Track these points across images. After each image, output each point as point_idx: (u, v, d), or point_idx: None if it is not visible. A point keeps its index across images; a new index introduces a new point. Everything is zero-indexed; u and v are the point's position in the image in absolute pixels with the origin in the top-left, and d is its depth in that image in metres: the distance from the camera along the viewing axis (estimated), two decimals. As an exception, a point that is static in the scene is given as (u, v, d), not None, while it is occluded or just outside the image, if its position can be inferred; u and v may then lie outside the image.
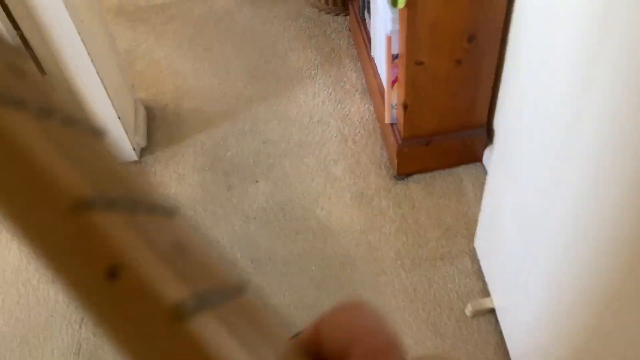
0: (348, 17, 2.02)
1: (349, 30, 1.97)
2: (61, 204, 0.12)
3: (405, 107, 1.37)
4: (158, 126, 1.73)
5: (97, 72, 1.40)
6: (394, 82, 1.40)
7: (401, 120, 1.42)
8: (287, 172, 1.59)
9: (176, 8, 2.15)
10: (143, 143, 1.66)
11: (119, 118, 1.52)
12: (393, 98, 1.44)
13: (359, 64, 1.86)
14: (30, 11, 1.25)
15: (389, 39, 1.31)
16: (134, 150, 1.61)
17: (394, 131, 1.48)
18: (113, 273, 0.12)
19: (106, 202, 0.13)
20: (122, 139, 1.57)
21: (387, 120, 1.50)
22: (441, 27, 1.21)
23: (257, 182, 1.57)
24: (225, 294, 0.14)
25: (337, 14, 2.03)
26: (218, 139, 1.69)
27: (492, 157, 1.15)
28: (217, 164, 1.62)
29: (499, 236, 1.19)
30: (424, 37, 1.22)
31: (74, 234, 0.12)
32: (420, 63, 1.27)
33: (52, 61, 1.36)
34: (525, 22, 0.95)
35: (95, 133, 0.15)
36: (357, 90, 1.78)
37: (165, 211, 0.14)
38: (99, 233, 0.12)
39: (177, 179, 1.59)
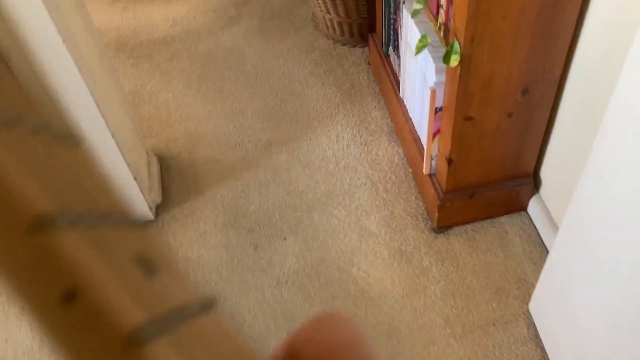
0: (366, 48, 1.91)
1: (368, 63, 1.86)
2: (20, 223, 0.12)
3: (449, 161, 1.26)
4: (173, 179, 1.61)
5: (112, 135, 1.28)
6: (435, 134, 1.30)
7: (443, 173, 1.31)
8: (316, 226, 1.48)
9: (180, 42, 2.03)
10: (158, 199, 1.54)
11: (135, 179, 1.40)
12: (433, 149, 1.34)
13: (382, 101, 1.75)
14: (37, 72, 1.13)
15: (433, 93, 1.20)
16: (150, 209, 1.49)
17: (433, 182, 1.38)
18: (70, 296, 0.12)
19: (68, 219, 0.12)
20: (137, 199, 1.45)
21: (425, 172, 1.40)
22: (495, 82, 1.11)
23: (285, 239, 1.46)
24: (187, 313, 0.13)
25: (354, 46, 1.92)
26: (239, 191, 1.57)
27: (562, 223, 1.05)
28: (241, 220, 1.51)
29: (566, 308, 1.09)
30: (476, 93, 1.12)
31: (31, 255, 0.12)
32: (470, 118, 1.17)
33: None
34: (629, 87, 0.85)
35: (69, 140, 0.14)
36: (383, 131, 1.68)
37: (132, 223, 0.14)
38: (58, 254, 0.12)
39: (198, 239, 1.48)
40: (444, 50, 1.16)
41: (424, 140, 1.40)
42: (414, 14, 1.10)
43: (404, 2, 1.36)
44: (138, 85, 1.88)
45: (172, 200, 1.56)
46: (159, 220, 1.52)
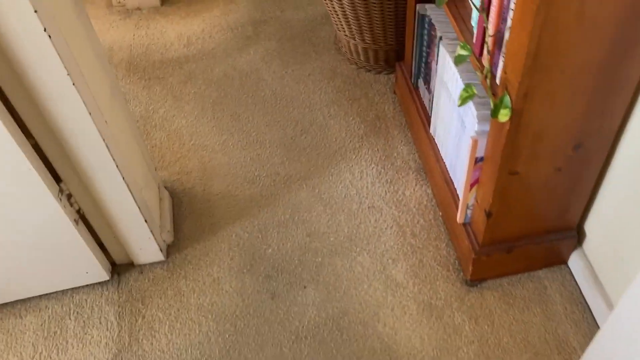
0: (391, 75, 1.81)
1: (394, 93, 1.76)
2: None
3: (488, 214, 1.16)
4: (185, 216, 1.51)
5: (123, 178, 1.18)
6: (473, 184, 1.19)
7: (480, 226, 1.21)
8: (338, 274, 1.38)
9: (194, 63, 1.93)
10: (170, 239, 1.44)
11: (146, 221, 1.30)
12: (470, 199, 1.23)
13: (409, 134, 1.65)
14: (45, 115, 1.03)
15: (475, 143, 1.09)
16: (161, 250, 1.39)
17: (467, 233, 1.28)
18: None
19: None
20: (148, 242, 1.35)
21: (459, 221, 1.29)
22: (547, 137, 1.00)
23: (305, 287, 1.36)
24: None
25: (379, 72, 1.82)
26: (256, 231, 1.47)
27: (619, 302, 0.94)
28: (257, 265, 1.41)
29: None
30: (524, 147, 1.01)
31: None
32: (515, 173, 1.07)
33: (69, 167, 1.14)
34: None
35: None
36: (410, 168, 1.57)
37: None
38: None
39: (212, 284, 1.38)
40: (487, 97, 1.05)
41: (459, 187, 1.30)
42: (458, 60, 0.99)
43: (440, 38, 1.26)
44: (150, 110, 1.78)
45: (185, 240, 1.47)
46: (170, 262, 1.42)
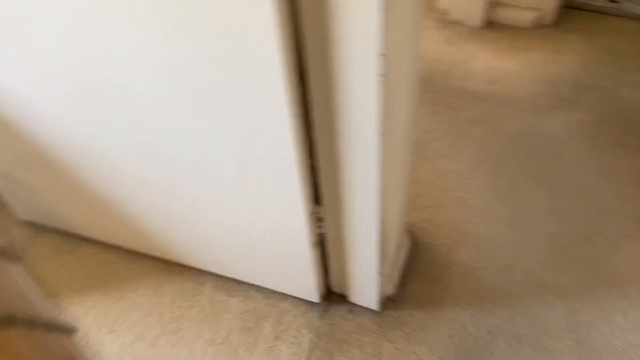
0: None
1: None
2: None
3: None
4: (417, 275, 1.36)
5: (382, 232, 1.06)
6: None
7: None
8: None
9: (491, 105, 1.72)
10: (391, 292, 1.31)
11: (380, 274, 1.18)
12: None
13: None
14: (333, 147, 0.94)
15: None
16: (378, 300, 1.27)
17: None
18: None
19: (6, 320, 0.16)
20: (370, 286, 1.23)
21: None
22: None
23: None
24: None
25: None
26: (484, 330, 1.26)
27: None
28: (470, 371, 1.20)
29: None
30: None
31: None
32: None
33: (333, 195, 1.05)
34: None
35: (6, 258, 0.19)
36: None
37: (63, 329, 0.19)
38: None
39: (413, 366, 1.22)
40: None
41: None
42: None
43: None
44: (425, 139, 1.65)
45: (406, 301, 1.32)
46: (382, 316, 1.29)
